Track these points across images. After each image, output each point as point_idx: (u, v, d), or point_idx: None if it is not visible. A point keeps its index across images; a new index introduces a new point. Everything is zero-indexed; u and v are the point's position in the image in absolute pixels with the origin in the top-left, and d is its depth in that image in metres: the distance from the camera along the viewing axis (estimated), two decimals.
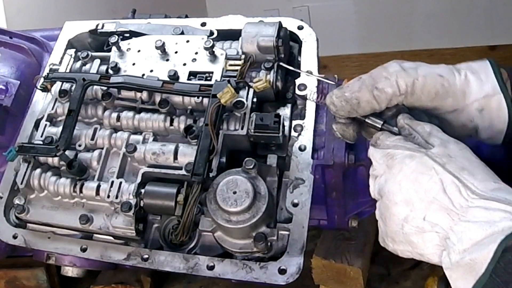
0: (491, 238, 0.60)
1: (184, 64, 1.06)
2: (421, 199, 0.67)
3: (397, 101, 0.78)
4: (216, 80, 1.01)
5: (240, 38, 1.04)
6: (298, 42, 1.09)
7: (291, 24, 1.09)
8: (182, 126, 1.00)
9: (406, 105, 0.79)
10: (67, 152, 1.00)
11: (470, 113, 0.78)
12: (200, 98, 1.00)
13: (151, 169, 0.97)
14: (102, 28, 1.17)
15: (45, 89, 1.09)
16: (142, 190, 0.96)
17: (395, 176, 0.71)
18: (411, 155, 0.71)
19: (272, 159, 0.96)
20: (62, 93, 1.08)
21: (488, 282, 0.59)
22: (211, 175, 0.92)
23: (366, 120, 0.81)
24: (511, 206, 0.61)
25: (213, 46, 1.05)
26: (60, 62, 1.15)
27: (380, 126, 0.80)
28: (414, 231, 0.68)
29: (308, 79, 1.03)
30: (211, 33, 1.11)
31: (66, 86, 1.09)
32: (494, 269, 0.58)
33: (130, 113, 1.04)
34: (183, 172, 0.94)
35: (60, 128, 1.02)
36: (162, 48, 1.07)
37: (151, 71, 1.06)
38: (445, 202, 0.65)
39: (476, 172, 0.67)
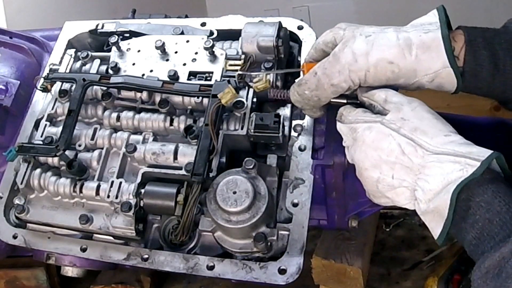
0: (447, 189, 0.69)
1: (184, 64, 1.06)
2: (386, 162, 0.76)
3: (353, 89, 0.84)
4: (216, 80, 1.01)
5: (240, 38, 1.04)
6: (298, 42, 1.09)
7: (291, 24, 1.09)
8: (182, 126, 1.00)
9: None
10: (67, 152, 1.00)
11: (422, 83, 0.83)
12: (200, 98, 1.00)
13: (151, 169, 0.97)
14: (102, 28, 1.17)
15: (45, 89, 1.09)
16: (142, 190, 0.96)
17: (360, 147, 0.80)
18: (369, 127, 0.80)
19: (272, 159, 0.96)
20: (62, 93, 1.08)
21: (452, 224, 0.70)
22: (211, 175, 0.92)
23: (331, 101, 0.88)
24: (459, 157, 0.70)
25: (213, 46, 1.05)
26: (60, 62, 1.15)
27: (345, 102, 0.88)
28: (387, 189, 0.77)
29: None
30: (211, 33, 1.11)
31: (66, 86, 1.09)
32: (454, 214, 0.69)
33: (130, 113, 1.04)
34: (183, 172, 0.94)
35: (60, 128, 1.02)
36: (162, 48, 1.07)
37: (151, 71, 1.06)
38: (406, 161, 0.75)
39: (428, 129, 0.75)
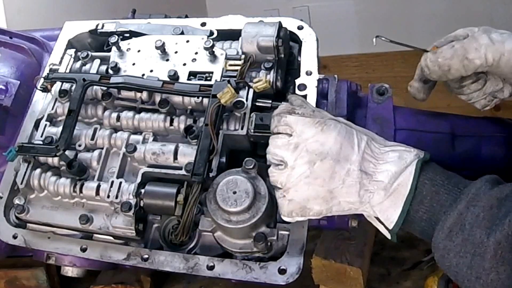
0: (409, 166, 0.77)
1: (184, 64, 1.06)
2: (356, 153, 0.80)
3: (482, 70, 0.89)
4: (216, 80, 1.01)
5: (240, 38, 1.04)
6: (298, 42, 1.09)
7: (291, 24, 1.09)
8: (182, 126, 1.00)
9: (489, 73, 0.92)
10: (67, 152, 1.00)
11: None
12: (200, 98, 1.00)
13: (151, 169, 0.97)
14: (102, 28, 1.17)
15: (45, 89, 1.09)
16: (142, 190, 0.96)
17: (329, 137, 0.81)
18: (335, 122, 0.83)
19: None
20: (62, 93, 1.08)
21: (414, 197, 0.76)
22: (211, 175, 0.92)
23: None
24: (409, 148, 0.80)
25: (213, 46, 1.05)
26: (60, 62, 1.15)
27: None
28: (353, 182, 0.79)
29: (308, 79, 1.03)
30: (211, 33, 1.11)
31: (66, 86, 1.09)
32: (417, 185, 0.76)
33: (130, 113, 1.04)
34: (183, 172, 0.94)
35: (60, 128, 1.01)
36: (162, 48, 1.07)
37: (151, 71, 1.06)
38: (369, 152, 0.80)
39: (372, 134, 0.84)
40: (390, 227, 0.78)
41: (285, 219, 0.85)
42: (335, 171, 0.79)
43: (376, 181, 0.78)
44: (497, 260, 0.67)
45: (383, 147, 0.81)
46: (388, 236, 0.80)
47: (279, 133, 0.85)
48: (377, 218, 0.80)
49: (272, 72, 1.02)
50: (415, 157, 0.78)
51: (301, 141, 0.82)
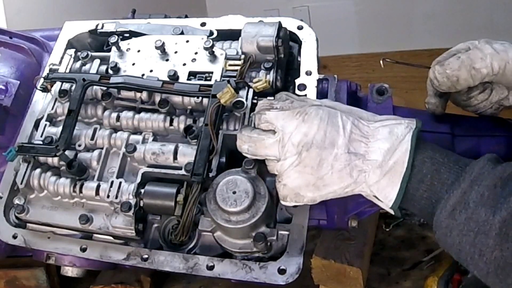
0: (403, 141, 0.78)
1: (184, 64, 1.06)
2: (342, 136, 0.80)
3: (489, 79, 0.89)
4: (216, 80, 1.01)
5: (240, 38, 1.04)
6: (298, 42, 1.09)
7: (291, 24, 1.09)
8: (182, 126, 1.00)
9: (495, 82, 0.92)
10: (67, 152, 1.00)
11: None
12: (200, 98, 1.00)
13: (151, 169, 0.97)
14: (102, 28, 1.17)
15: (45, 90, 1.09)
16: (142, 190, 0.96)
17: (316, 125, 0.82)
18: (316, 108, 0.83)
19: None
20: (62, 93, 1.08)
21: (413, 175, 0.77)
22: (210, 175, 0.92)
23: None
24: (399, 120, 0.81)
25: (212, 46, 1.05)
26: (60, 62, 1.15)
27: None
28: (343, 166, 0.80)
29: (308, 79, 1.03)
30: (211, 33, 1.11)
31: (66, 86, 1.09)
32: (414, 163, 0.77)
33: (130, 113, 1.04)
34: (182, 172, 0.94)
35: (60, 128, 1.02)
36: (162, 48, 1.07)
37: (151, 71, 1.06)
38: (358, 132, 0.81)
39: (359, 112, 0.85)
40: (389, 206, 0.79)
41: (283, 203, 0.87)
42: (323, 158, 0.81)
43: (369, 160, 0.79)
44: (502, 237, 0.68)
45: (373, 123, 0.82)
46: (392, 212, 0.81)
47: (263, 130, 0.87)
48: (376, 197, 0.80)
49: (272, 72, 1.02)
50: (407, 130, 0.79)
51: (285, 137, 0.83)
